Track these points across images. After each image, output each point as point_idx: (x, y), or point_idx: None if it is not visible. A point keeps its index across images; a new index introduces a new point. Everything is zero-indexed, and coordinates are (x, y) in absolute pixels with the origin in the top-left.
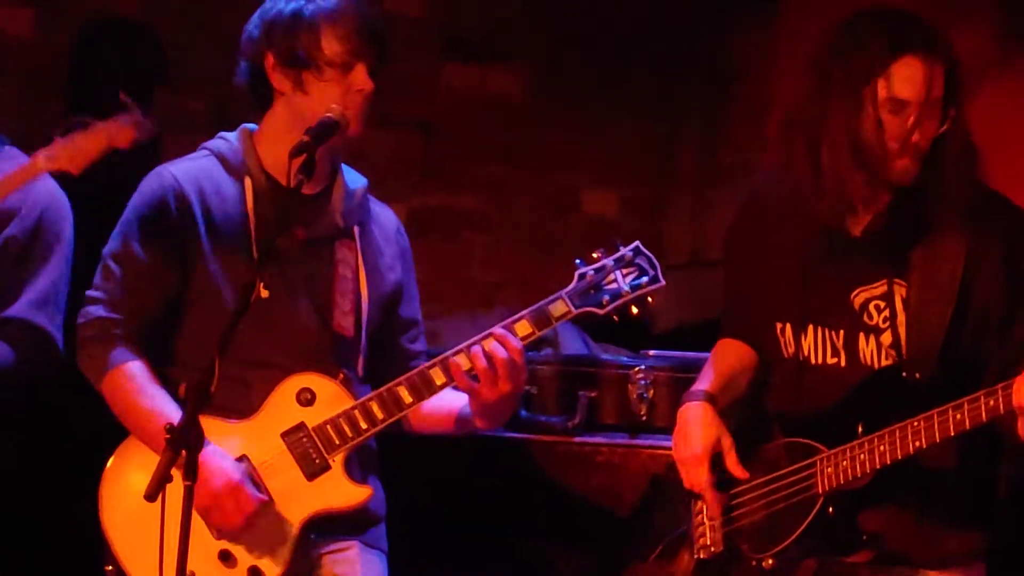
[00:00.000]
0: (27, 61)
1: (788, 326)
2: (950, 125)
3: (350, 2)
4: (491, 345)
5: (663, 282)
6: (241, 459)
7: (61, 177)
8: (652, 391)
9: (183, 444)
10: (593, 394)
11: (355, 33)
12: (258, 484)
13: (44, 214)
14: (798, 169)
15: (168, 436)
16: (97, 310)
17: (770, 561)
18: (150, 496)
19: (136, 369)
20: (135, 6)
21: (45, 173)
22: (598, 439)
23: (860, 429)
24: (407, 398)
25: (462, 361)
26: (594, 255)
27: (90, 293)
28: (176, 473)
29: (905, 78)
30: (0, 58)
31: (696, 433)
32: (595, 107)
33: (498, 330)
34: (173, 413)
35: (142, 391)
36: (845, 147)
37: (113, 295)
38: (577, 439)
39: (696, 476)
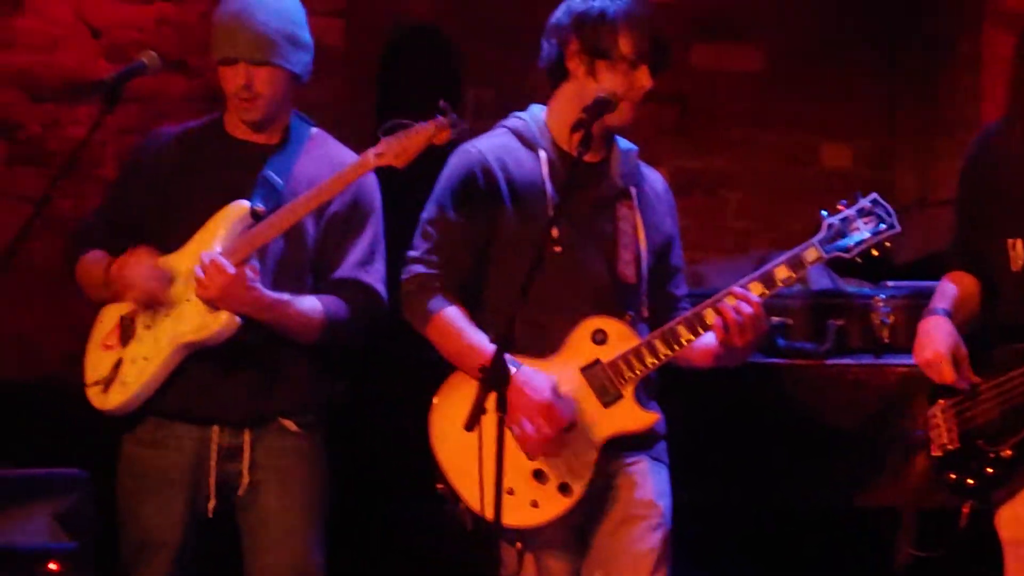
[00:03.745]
0: (339, 66)
1: (1019, 242)
2: None
3: (644, 10)
4: (738, 302)
5: (899, 228)
6: None
7: None
8: (892, 316)
9: (494, 383)
10: (841, 322)
11: (646, 39)
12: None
13: (359, 189)
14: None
15: (481, 376)
16: (417, 268)
17: (1008, 451)
18: (468, 426)
19: (454, 314)
20: (429, 12)
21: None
22: (847, 361)
23: None
24: (685, 335)
25: (725, 303)
26: (838, 206)
27: (411, 253)
28: (490, 406)
29: None
30: (317, 64)
31: (937, 337)
32: (827, 73)
33: (738, 289)
34: (487, 348)
35: (462, 332)
36: None
37: (431, 254)
38: (829, 362)
39: (942, 373)
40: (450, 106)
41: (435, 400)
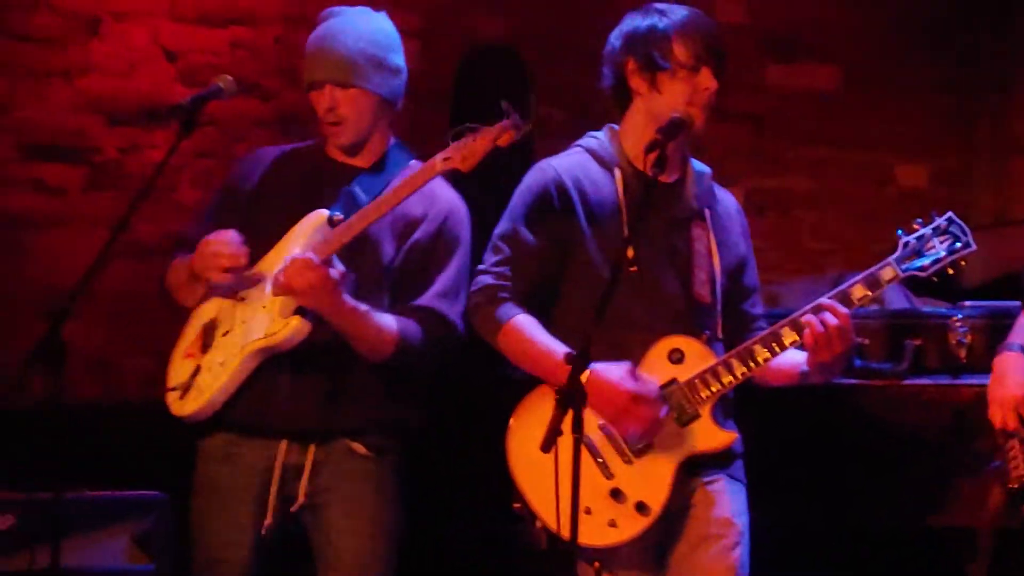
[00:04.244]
0: (415, 85)
1: None
2: None
3: (696, 17)
4: (823, 314)
5: (974, 247)
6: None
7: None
8: (970, 336)
9: (570, 403)
10: (918, 342)
11: (700, 42)
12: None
13: (445, 222)
14: None
15: (556, 396)
16: (486, 279)
17: None
18: (545, 447)
19: (525, 321)
20: (503, 33)
21: (440, 175)
22: (924, 381)
23: None
24: (762, 354)
25: (810, 316)
26: (914, 225)
27: (480, 267)
28: (566, 426)
29: None
30: None
31: (1011, 378)
32: (902, 92)
33: (826, 301)
34: (561, 349)
35: (534, 338)
36: None
37: (501, 268)
38: (906, 382)
39: (1011, 416)
40: (512, 107)
41: (512, 421)
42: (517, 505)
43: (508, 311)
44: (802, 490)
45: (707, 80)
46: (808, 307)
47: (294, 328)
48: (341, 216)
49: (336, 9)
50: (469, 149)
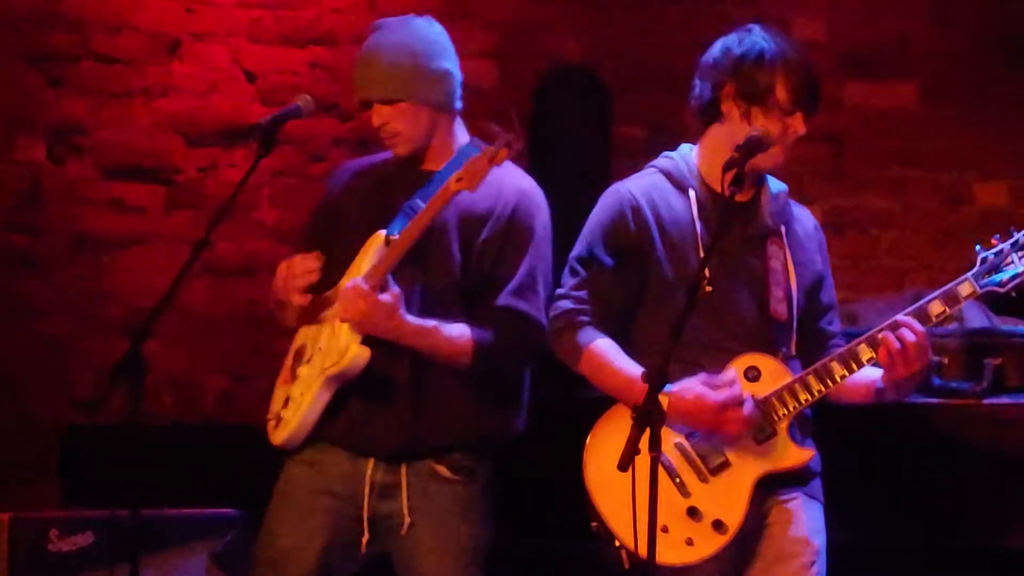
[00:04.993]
0: (490, 107)
1: None
2: None
3: (801, 58)
4: (900, 331)
5: None
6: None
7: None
8: None
9: (647, 422)
10: (998, 361)
11: (803, 86)
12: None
13: (513, 214)
14: None
15: (633, 415)
16: (565, 304)
17: None
18: (622, 466)
19: (606, 346)
20: (580, 53)
21: (504, 166)
22: (1004, 400)
23: None
24: (839, 371)
25: (888, 333)
26: (992, 241)
27: (558, 291)
28: (643, 445)
29: None
30: (468, 104)
31: None
32: (981, 109)
33: (903, 317)
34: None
35: (614, 364)
36: None
37: (578, 290)
38: (985, 401)
39: None
40: (501, 128)
41: (589, 440)
42: (594, 524)
43: (589, 336)
44: (881, 510)
45: (797, 124)
46: (885, 324)
47: (354, 355)
48: (396, 236)
49: (380, 22)
50: (474, 170)
